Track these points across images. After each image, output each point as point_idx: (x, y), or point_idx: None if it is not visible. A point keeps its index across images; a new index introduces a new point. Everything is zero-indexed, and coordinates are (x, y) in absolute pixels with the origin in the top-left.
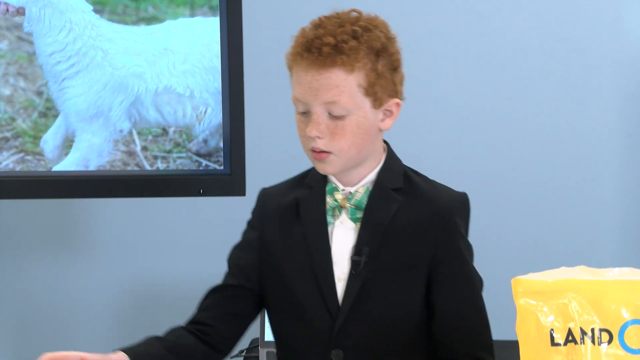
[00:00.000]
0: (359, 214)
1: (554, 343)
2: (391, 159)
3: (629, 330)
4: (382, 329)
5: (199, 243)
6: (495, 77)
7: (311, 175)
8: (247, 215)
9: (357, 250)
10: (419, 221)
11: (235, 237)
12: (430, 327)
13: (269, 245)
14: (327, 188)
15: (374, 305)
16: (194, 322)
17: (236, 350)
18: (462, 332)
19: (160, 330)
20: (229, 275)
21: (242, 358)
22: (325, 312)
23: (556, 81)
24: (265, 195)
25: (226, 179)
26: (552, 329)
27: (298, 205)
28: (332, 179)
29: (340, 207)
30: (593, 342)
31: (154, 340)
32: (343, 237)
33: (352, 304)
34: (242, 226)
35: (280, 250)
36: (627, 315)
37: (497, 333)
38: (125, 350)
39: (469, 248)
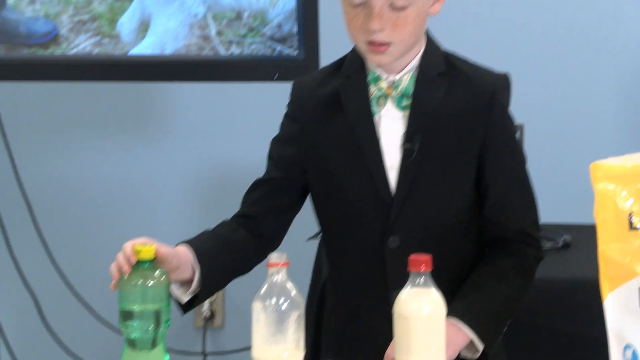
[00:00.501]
0: (406, 102)
1: (632, 227)
2: (431, 43)
3: None
4: (435, 214)
5: (272, 128)
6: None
7: (347, 64)
8: None
9: (409, 137)
10: (466, 104)
11: None
12: (481, 207)
13: (312, 137)
14: (370, 77)
15: (427, 192)
16: (242, 215)
17: (312, 232)
18: (512, 209)
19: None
20: (272, 167)
21: (318, 240)
22: (379, 201)
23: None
24: (301, 86)
25: (300, 64)
26: (631, 213)
27: (338, 95)
28: (373, 67)
29: (386, 96)
30: None
31: (208, 235)
32: (391, 126)
33: (407, 192)
34: None
35: (325, 143)
36: None
37: (576, 217)
38: (186, 245)
39: (514, 127)
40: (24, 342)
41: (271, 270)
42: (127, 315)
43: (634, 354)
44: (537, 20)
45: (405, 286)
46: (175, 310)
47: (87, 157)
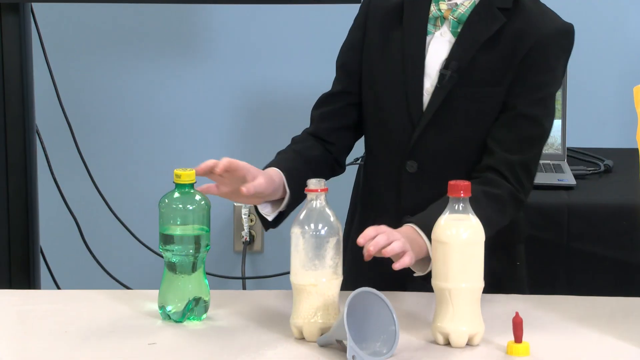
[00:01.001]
0: (460, 28)
1: None
2: None
3: None
4: (458, 144)
5: (317, 51)
6: None
7: None
8: None
9: (447, 63)
10: (518, 43)
11: None
12: (488, 131)
13: (370, 46)
14: None
15: (453, 120)
16: (314, 133)
17: (350, 158)
18: (509, 141)
19: (277, 138)
20: (337, 79)
21: (358, 166)
22: (408, 122)
23: None
24: None
25: None
26: None
27: (402, 9)
28: None
29: (443, 18)
30: None
31: (293, 155)
32: (439, 49)
33: (432, 117)
34: None
35: (378, 53)
36: None
37: (619, 141)
38: (273, 166)
39: (555, 82)
40: (65, 265)
41: (310, 195)
42: (167, 239)
43: None
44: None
45: (444, 212)
46: (214, 235)
47: (129, 79)
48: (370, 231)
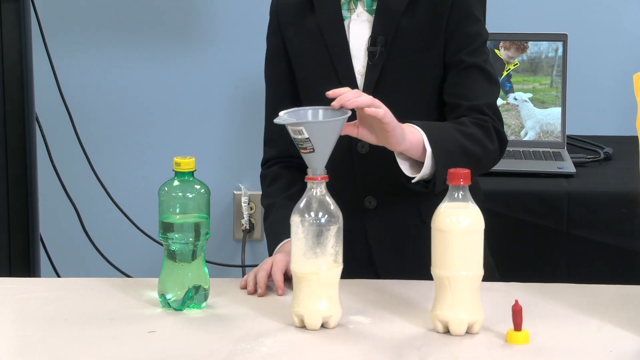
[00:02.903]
0: (375, 4)
1: None
2: None
3: None
4: (403, 116)
5: None
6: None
7: None
8: None
9: (373, 40)
10: (437, 3)
11: None
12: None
13: (292, 46)
14: None
15: (393, 93)
16: (279, 157)
17: None
18: (469, 91)
19: None
20: (270, 94)
21: None
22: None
23: None
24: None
25: None
26: None
27: (311, 2)
28: None
29: (355, 0)
30: None
31: (288, 212)
32: (360, 29)
33: (372, 95)
34: None
35: (301, 49)
36: None
37: (619, 129)
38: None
39: (484, 30)
40: (65, 253)
41: (310, 184)
42: (167, 227)
43: None
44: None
45: (443, 200)
46: (214, 223)
47: (129, 67)
48: (342, 89)
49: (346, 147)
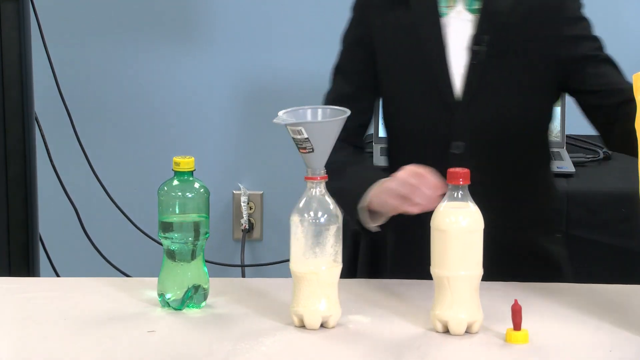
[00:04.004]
0: (477, 5)
1: None
2: None
3: None
4: (502, 118)
5: (315, 37)
6: None
7: None
8: None
9: (477, 39)
10: (540, 8)
11: None
12: (588, 101)
13: (377, 37)
14: None
15: (494, 95)
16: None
17: None
18: (613, 85)
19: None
20: (342, 81)
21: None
22: (443, 106)
23: None
24: None
25: None
26: None
27: None
28: None
29: None
30: None
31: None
32: (460, 28)
33: (472, 96)
34: None
35: (389, 42)
36: None
37: None
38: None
39: (588, 21)
40: (64, 253)
41: (309, 183)
42: (166, 227)
43: None
44: None
45: (442, 199)
46: (214, 222)
47: (128, 66)
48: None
49: (440, 147)
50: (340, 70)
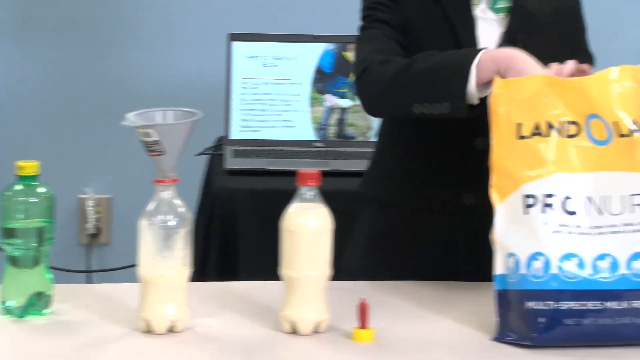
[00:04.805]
0: (501, 4)
1: (521, 136)
2: None
3: (593, 123)
4: None
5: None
6: None
7: None
8: None
9: (511, 38)
10: (559, 2)
11: None
12: None
13: (411, 25)
14: None
15: None
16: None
17: (201, 147)
18: None
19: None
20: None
21: (207, 156)
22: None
23: None
24: None
25: None
26: (520, 123)
27: None
28: None
29: None
30: (560, 134)
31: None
32: (486, 27)
33: None
34: None
35: (422, 30)
36: (591, 109)
37: None
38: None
39: None
40: None
41: (159, 186)
42: (9, 233)
43: (516, 262)
44: None
45: (292, 200)
46: (59, 227)
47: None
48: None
49: (463, 142)
50: (374, 19)
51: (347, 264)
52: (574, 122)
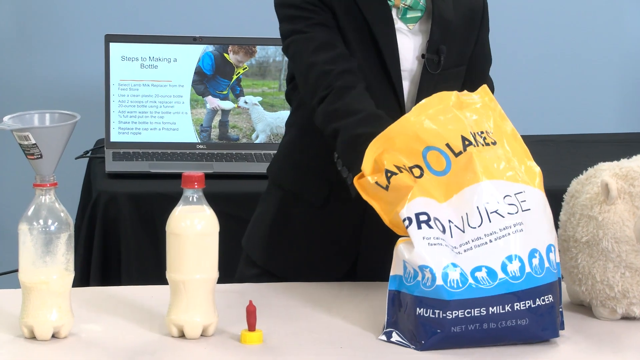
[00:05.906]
0: (411, 14)
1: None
2: None
3: (430, 155)
4: None
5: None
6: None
7: None
8: None
9: (433, 48)
10: (469, 12)
11: None
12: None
13: (343, 30)
14: None
15: None
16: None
17: (81, 150)
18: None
19: None
20: (323, 30)
21: (87, 159)
22: (397, 108)
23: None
24: None
25: None
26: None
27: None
28: None
29: (394, 7)
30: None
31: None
32: (404, 39)
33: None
34: None
35: (349, 37)
36: (423, 144)
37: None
38: None
39: None
40: None
41: (39, 190)
42: None
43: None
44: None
45: (178, 204)
46: None
47: None
48: None
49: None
50: (312, 22)
51: (249, 243)
52: (416, 166)
